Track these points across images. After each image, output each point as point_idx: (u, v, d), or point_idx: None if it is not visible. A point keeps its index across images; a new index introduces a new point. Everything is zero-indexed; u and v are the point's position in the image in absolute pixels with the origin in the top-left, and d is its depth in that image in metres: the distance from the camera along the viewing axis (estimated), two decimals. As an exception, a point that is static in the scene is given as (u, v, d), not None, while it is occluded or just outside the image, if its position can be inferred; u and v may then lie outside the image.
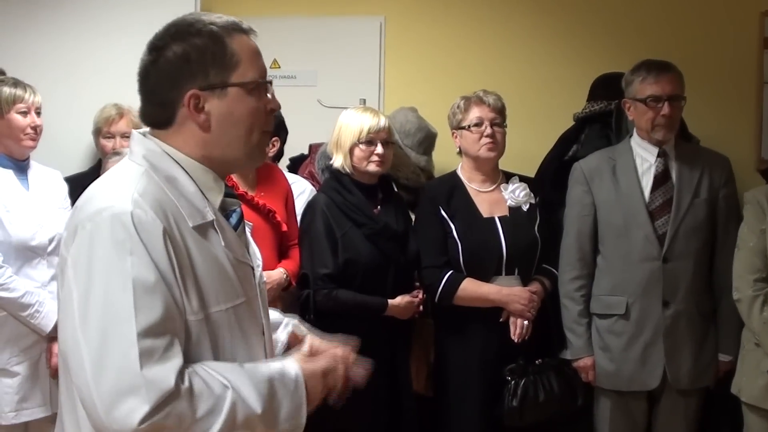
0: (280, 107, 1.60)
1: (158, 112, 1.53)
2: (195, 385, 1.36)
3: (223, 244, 1.52)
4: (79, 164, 3.80)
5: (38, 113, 3.16)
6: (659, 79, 3.01)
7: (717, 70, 3.88)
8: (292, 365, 1.54)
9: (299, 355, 1.60)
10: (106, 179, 1.51)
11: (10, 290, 2.95)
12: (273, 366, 1.52)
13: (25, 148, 3.14)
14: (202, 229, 1.49)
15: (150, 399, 1.31)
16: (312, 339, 1.70)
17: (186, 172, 1.51)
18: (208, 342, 1.46)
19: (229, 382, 1.41)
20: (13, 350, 3.00)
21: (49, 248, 3.06)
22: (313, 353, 1.62)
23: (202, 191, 1.52)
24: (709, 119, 3.75)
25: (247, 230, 1.71)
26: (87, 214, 1.41)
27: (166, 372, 1.33)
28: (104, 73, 3.67)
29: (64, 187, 3.23)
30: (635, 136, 3.15)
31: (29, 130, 3.10)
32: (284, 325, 1.82)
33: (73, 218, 1.45)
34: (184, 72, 1.49)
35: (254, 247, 1.72)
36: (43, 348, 3.07)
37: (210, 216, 1.51)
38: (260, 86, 1.53)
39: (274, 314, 1.83)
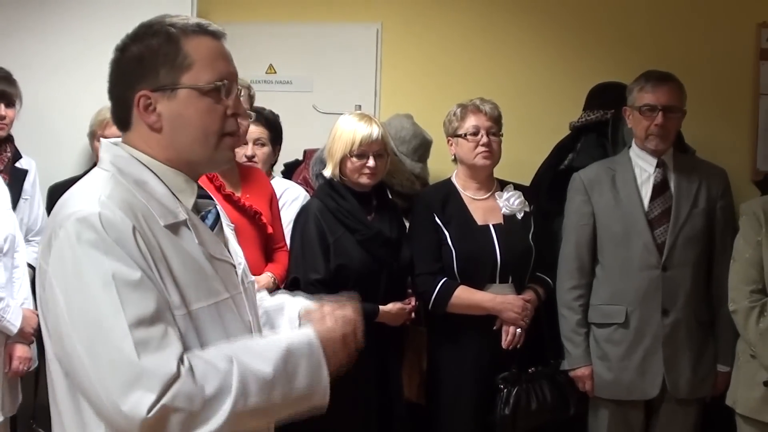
0: (245, 112, 1.58)
1: (118, 112, 1.55)
2: (196, 365, 1.35)
3: (196, 241, 1.51)
4: (78, 167, 3.79)
5: None
6: (656, 89, 3.03)
7: (713, 81, 3.88)
8: (302, 331, 1.53)
9: (312, 321, 1.59)
10: (76, 187, 1.51)
11: None
12: (280, 335, 1.53)
13: None
14: (175, 228, 1.48)
15: (153, 387, 1.30)
16: (324, 305, 1.68)
17: (156, 175, 1.51)
18: (195, 338, 1.45)
19: (234, 354, 1.40)
20: None
21: (4, 249, 3.01)
22: (325, 318, 1.61)
23: (173, 193, 1.52)
24: (705, 130, 3.74)
25: (228, 230, 1.69)
26: (57, 221, 1.42)
27: (165, 358, 1.33)
28: (104, 75, 3.66)
29: (6, 190, 3.17)
30: (634, 146, 3.16)
31: None
32: (283, 308, 1.78)
33: (47, 228, 1.46)
34: (137, 72, 1.49)
35: (235, 246, 1.70)
36: None
37: (182, 215, 1.50)
38: (217, 89, 1.50)
39: (279, 297, 1.82)
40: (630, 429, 3.10)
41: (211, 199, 1.66)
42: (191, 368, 1.35)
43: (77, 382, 1.39)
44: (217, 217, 1.63)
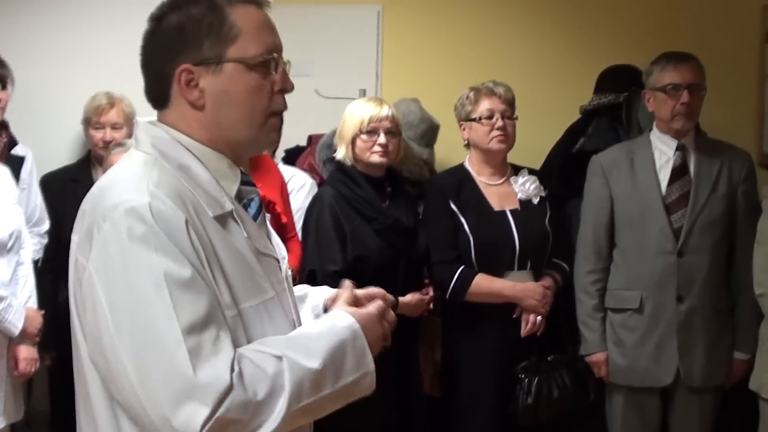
0: (292, 88, 1.45)
1: (154, 87, 1.43)
2: (245, 368, 1.25)
3: (245, 235, 1.40)
4: (71, 155, 3.68)
5: None
6: (679, 67, 2.98)
7: (719, 64, 3.79)
8: (341, 316, 1.42)
9: (344, 305, 1.48)
10: (115, 173, 1.39)
11: None
12: (322, 324, 1.41)
13: None
14: (222, 220, 1.37)
15: (208, 401, 1.20)
16: (351, 291, 1.56)
17: (198, 159, 1.40)
18: (245, 338, 1.34)
19: (282, 353, 1.30)
20: None
21: (9, 245, 2.88)
22: (357, 302, 1.51)
23: (216, 179, 1.40)
24: (711, 113, 3.64)
25: (268, 221, 1.59)
26: (100, 212, 1.28)
27: (219, 368, 1.22)
28: (99, 60, 3.54)
29: (13, 184, 3.04)
30: (654, 129, 3.10)
31: None
32: (305, 297, 1.67)
33: (85, 219, 1.32)
34: (178, 44, 1.37)
35: (277, 239, 1.60)
36: (1, 354, 2.88)
37: (228, 206, 1.40)
38: (265, 63, 1.39)
39: (302, 287, 1.71)
40: (645, 416, 3.07)
41: (254, 185, 1.54)
42: (240, 373, 1.24)
43: (116, 389, 1.28)
44: (260, 206, 1.52)
